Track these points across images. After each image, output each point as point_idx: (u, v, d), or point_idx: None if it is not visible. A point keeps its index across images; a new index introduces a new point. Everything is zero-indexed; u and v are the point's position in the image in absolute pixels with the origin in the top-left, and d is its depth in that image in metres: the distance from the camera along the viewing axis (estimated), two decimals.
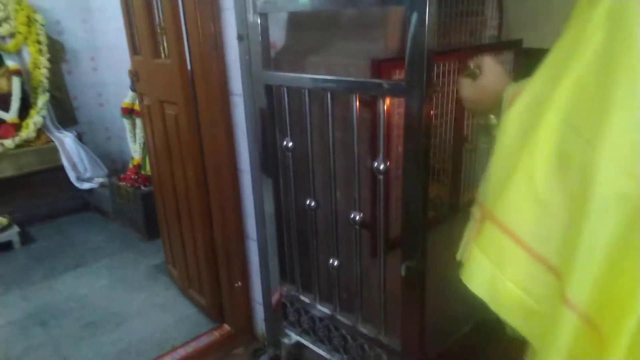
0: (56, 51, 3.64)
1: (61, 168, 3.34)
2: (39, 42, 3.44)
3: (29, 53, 3.41)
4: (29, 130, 3.24)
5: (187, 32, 1.65)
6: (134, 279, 2.54)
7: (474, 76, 0.94)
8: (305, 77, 1.36)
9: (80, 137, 3.59)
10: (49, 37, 3.53)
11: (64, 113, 3.73)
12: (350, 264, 1.45)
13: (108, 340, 2.03)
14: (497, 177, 0.77)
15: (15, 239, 2.94)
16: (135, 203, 2.96)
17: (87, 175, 3.44)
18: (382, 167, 1.24)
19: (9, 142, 3.10)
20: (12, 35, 3.35)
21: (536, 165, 0.67)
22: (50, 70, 3.51)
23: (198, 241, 1.97)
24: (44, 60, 3.45)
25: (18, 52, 3.41)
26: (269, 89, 1.49)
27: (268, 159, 1.59)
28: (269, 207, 1.65)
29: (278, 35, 1.59)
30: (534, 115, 0.69)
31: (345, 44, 1.42)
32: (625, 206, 0.55)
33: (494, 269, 0.72)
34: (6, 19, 3.30)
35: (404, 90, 1.11)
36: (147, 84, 2.04)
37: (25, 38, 3.38)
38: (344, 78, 1.26)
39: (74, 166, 3.36)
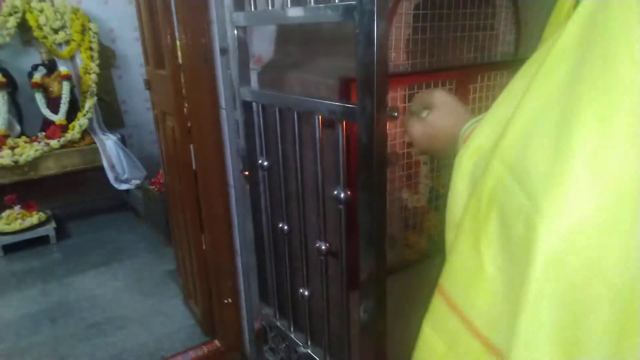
0: (107, 57, 3.85)
1: (102, 168, 3.51)
2: (91, 49, 3.65)
3: (81, 59, 3.64)
4: (74, 131, 3.44)
5: (180, 44, 1.64)
6: (147, 283, 2.58)
7: (420, 114, 0.81)
8: (275, 95, 1.29)
9: (124, 140, 3.76)
10: (101, 44, 3.74)
11: (112, 116, 3.94)
12: (319, 294, 1.35)
13: (105, 344, 2.06)
14: (447, 238, 0.64)
15: (52, 234, 3.12)
16: (160, 207, 3.03)
17: (125, 176, 3.59)
18: (342, 195, 1.13)
19: (54, 142, 3.31)
20: (67, 42, 3.58)
21: (480, 230, 0.52)
22: (100, 75, 3.71)
23: (192, 253, 1.96)
24: (94, 66, 3.65)
25: (71, 58, 3.65)
26: (247, 105, 1.43)
27: (249, 177, 1.53)
28: (249, 226, 1.58)
29: (266, 49, 1.53)
30: (484, 162, 0.54)
31: (324, 60, 1.33)
32: (564, 280, 0.42)
33: (447, 350, 0.58)
34: (62, 27, 3.54)
35: (356, 114, 1.00)
36: (154, 94, 2.06)
37: (79, 45, 3.60)
38: (305, 98, 1.17)
39: (112, 167, 3.52)
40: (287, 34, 1.49)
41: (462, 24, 1.40)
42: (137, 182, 3.62)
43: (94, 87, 3.64)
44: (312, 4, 1.06)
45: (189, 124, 1.71)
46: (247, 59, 1.41)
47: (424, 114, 0.80)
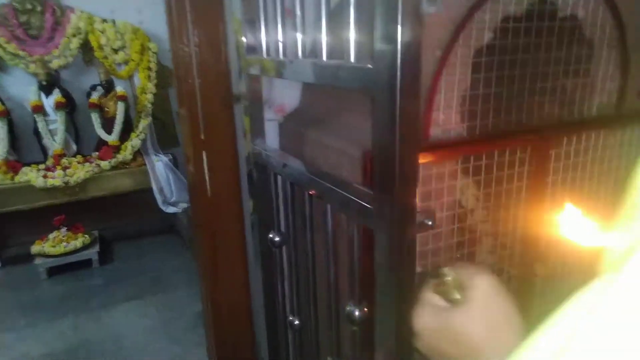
0: (165, 77, 3.80)
1: (151, 190, 3.44)
2: (149, 69, 3.62)
3: (139, 79, 3.61)
4: (126, 152, 3.40)
5: (199, 83, 1.42)
6: (176, 325, 2.42)
7: (447, 296, 0.49)
8: (283, 164, 1.01)
9: (176, 160, 3.68)
10: (159, 64, 3.70)
11: (167, 135, 3.89)
12: None
13: None
14: None
15: (95, 258, 3.08)
16: None
17: (173, 199, 3.50)
18: (356, 313, 0.83)
19: (105, 164, 3.28)
20: (126, 62, 3.57)
21: None
22: (157, 95, 3.67)
23: (210, 315, 1.73)
24: (151, 86, 3.61)
25: (130, 78, 3.63)
26: (258, 164, 1.17)
27: (262, 253, 1.26)
28: (260, 301, 1.32)
29: (291, 95, 1.26)
30: None
31: (350, 119, 1.03)
32: None
33: None
34: (122, 47, 3.53)
35: (371, 217, 0.70)
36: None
37: (137, 65, 3.58)
38: (312, 177, 0.88)
39: (161, 190, 3.44)
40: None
41: (542, 71, 1.04)
42: (185, 205, 3.51)
43: (149, 107, 3.59)
44: (327, 57, 0.78)
45: (206, 175, 1.49)
46: (260, 110, 1.15)
47: (450, 301, 0.48)
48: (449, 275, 0.50)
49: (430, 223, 0.67)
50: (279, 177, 1.09)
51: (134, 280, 2.90)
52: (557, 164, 1.08)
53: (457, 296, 0.48)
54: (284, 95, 1.24)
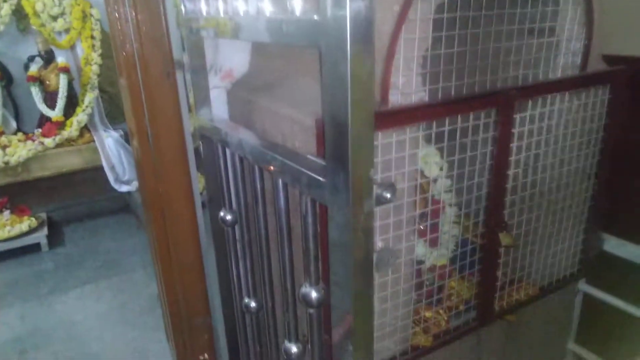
0: (111, 45, 3.54)
1: (102, 168, 3.24)
2: (92, 38, 3.35)
3: (82, 49, 3.34)
4: (71, 129, 3.17)
5: (137, 49, 1.28)
6: (132, 309, 2.31)
7: None
8: (231, 136, 0.92)
9: (127, 136, 3.48)
10: (104, 32, 3.44)
11: (117, 109, 3.66)
12: None
13: None
14: None
15: (43, 242, 2.90)
16: None
17: (126, 177, 3.31)
18: (312, 294, 0.76)
19: (49, 141, 3.05)
20: (66, 30, 3.29)
21: None
22: (104, 65, 3.42)
23: (165, 299, 1.64)
24: (95, 57, 3.36)
25: (71, 48, 3.36)
26: (205, 137, 1.07)
27: (214, 231, 1.18)
28: (215, 282, 1.25)
29: (239, 59, 1.15)
30: None
31: (302, 83, 0.94)
32: None
33: None
34: (61, 14, 3.25)
35: (324, 190, 0.62)
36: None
37: (79, 33, 3.30)
38: (263, 149, 0.79)
39: (112, 168, 3.25)
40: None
41: (507, 29, 0.98)
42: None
43: (95, 80, 3.35)
44: (271, 11, 0.68)
45: (151, 150, 1.37)
46: (205, 76, 1.04)
47: None
48: None
49: (388, 196, 0.60)
50: (228, 150, 0.99)
51: (86, 264, 2.76)
52: (522, 128, 1.04)
53: None
54: (232, 60, 1.13)
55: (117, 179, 3.30)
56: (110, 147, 3.26)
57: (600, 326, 1.45)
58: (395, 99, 0.86)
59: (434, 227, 1.06)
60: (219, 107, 1.10)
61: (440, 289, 1.14)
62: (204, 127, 1.04)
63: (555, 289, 1.31)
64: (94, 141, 3.25)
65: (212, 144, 1.04)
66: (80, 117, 3.23)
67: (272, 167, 0.78)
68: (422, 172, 0.98)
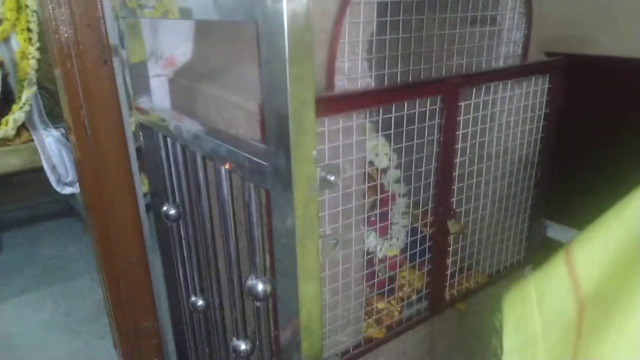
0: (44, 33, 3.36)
1: (42, 169, 3.06)
2: (29, 30, 3.16)
3: (17, 42, 3.14)
4: (7, 127, 2.98)
5: (71, 35, 1.20)
6: (77, 316, 2.18)
7: None
8: (171, 124, 0.87)
9: None
10: (42, 24, 3.24)
11: (58, 106, 3.46)
12: None
13: None
14: None
15: None
16: None
17: (69, 179, 3.14)
18: (258, 287, 0.73)
19: None
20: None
21: None
22: (42, 60, 3.23)
23: (109, 300, 1.55)
24: (33, 50, 3.16)
25: (5, 41, 3.15)
26: (144, 127, 1.01)
27: (157, 226, 1.12)
28: (161, 282, 1.19)
29: (180, 46, 1.10)
30: None
31: (245, 67, 0.90)
32: None
33: None
34: None
35: (266, 175, 0.60)
36: None
37: (14, 25, 3.11)
38: (205, 136, 0.76)
39: (53, 168, 3.07)
40: (208, 28, 1.06)
41: (451, 17, 0.98)
42: None
43: (33, 75, 3.15)
44: None
45: (89, 145, 1.29)
46: (144, 63, 0.99)
47: None
48: None
49: (332, 178, 0.58)
50: (169, 140, 0.94)
51: (26, 272, 2.59)
52: (467, 116, 1.05)
53: None
54: (173, 47, 1.08)
55: (60, 181, 3.13)
56: (51, 146, 3.08)
57: None
58: (342, 84, 0.84)
59: (384, 217, 1.06)
60: (160, 96, 1.05)
61: (392, 279, 1.14)
62: (144, 118, 0.98)
63: (503, 275, 1.34)
64: (33, 141, 3.06)
65: (153, 135, 0.99)
66: (17, 115, 3.03)
67: (210, 154, 0.74)
68: (370, 160, 0.98)
